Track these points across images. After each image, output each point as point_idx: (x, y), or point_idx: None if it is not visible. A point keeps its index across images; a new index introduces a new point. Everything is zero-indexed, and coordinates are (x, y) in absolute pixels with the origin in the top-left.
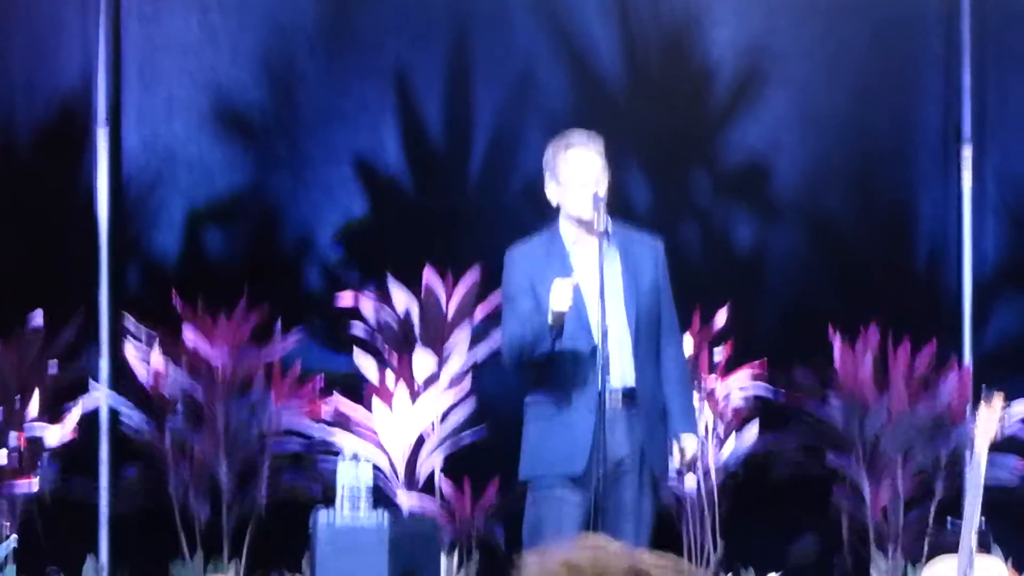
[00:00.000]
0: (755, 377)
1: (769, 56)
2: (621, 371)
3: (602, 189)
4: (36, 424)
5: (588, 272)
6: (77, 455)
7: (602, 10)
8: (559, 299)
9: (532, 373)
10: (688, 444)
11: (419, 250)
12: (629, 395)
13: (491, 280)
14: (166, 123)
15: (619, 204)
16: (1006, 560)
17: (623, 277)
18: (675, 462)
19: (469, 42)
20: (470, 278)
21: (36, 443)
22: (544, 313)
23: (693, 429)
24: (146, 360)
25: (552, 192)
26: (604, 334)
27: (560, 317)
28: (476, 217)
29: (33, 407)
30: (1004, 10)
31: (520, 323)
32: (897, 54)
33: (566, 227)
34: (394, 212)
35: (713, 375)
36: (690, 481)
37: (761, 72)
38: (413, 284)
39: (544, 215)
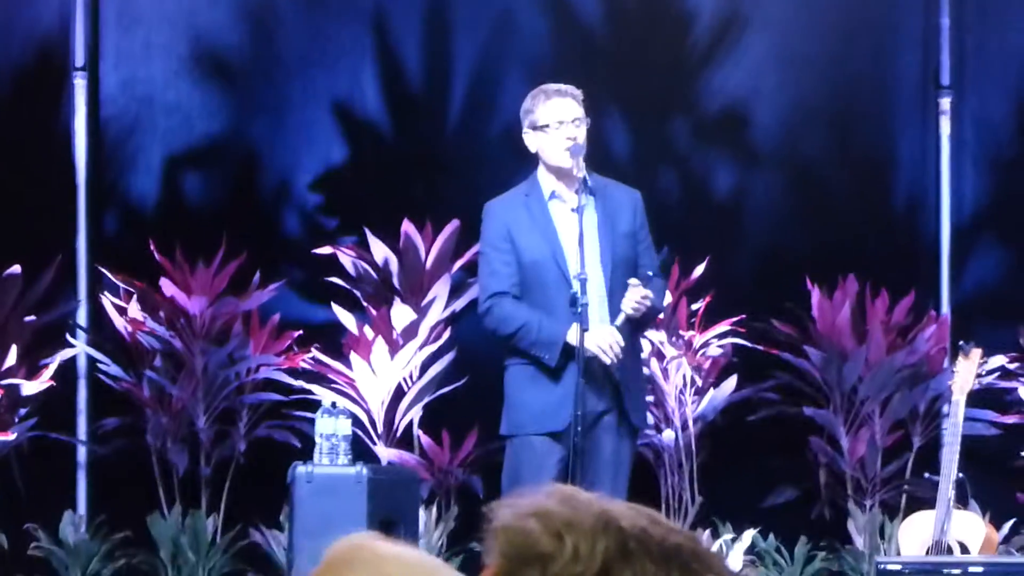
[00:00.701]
0: (733, 329)
1: (748, 0)
2: (598, 319)
3: (581, 137)
4: (13, 375)
5: (566, 221)
6: (55, 406)
7: None
8: (575, 337)
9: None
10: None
11: (398, 198)
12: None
13: (471, 231)
14: (144, 67)
15: (598, 152)
16: (984, 514)
17: (599, 226)
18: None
19: None
20: (449, 229)
21: (13, 394)
22: (544, 304)
23: (651, 291)
24: (124, 310)
25: (531, 140)
26: (583, 284)
27: (568, 346)
28: (455, 164)
29: (10, 357)
30: None
31: (525, 312)
32: None
33: (544, 176)
34: (373, 158)
35: (691, 328)
36: (668, 433)
37: (740, 16)
38: (392, 234)
39: (523, 163)
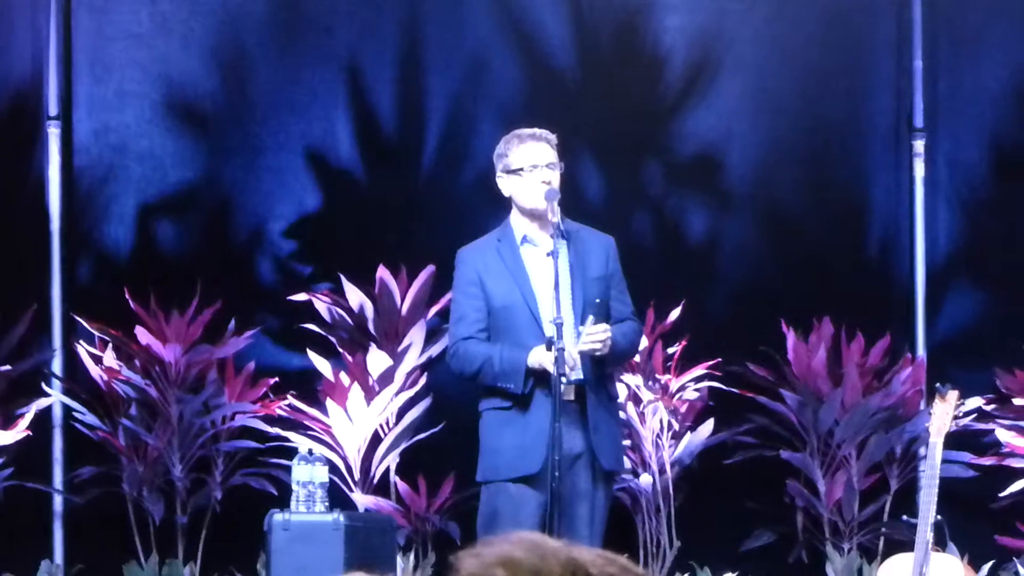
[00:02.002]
0: (709, 372)
1: (721, 43)
2: (571, 364)
3: (555, 181)
4: None
5: (538, 265)
6: (31, 455)
7: None
8: (540, 358)
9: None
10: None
11: (373, 244)
12: (580, 388)
13: (445, 277)
14: (118, 115)
15: (571, 196)
16: (962, 557)
17: (571, 270)
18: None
19: (420, 30)
20: (424, 275)
21: None
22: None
23: (616, 335)
24: (99, 358)
25: (504, 185)
26: (559, 328)
27: (534, 372)
28: (430, 210)
29: None
30: None
31: (486, 348)
32: (849, 39)
33: (517, 220)
34: (347, 204)
35: (667, 372)
36: (646, 477)
37: (713, 60)
38: (367, 280)
39: (498, 208)
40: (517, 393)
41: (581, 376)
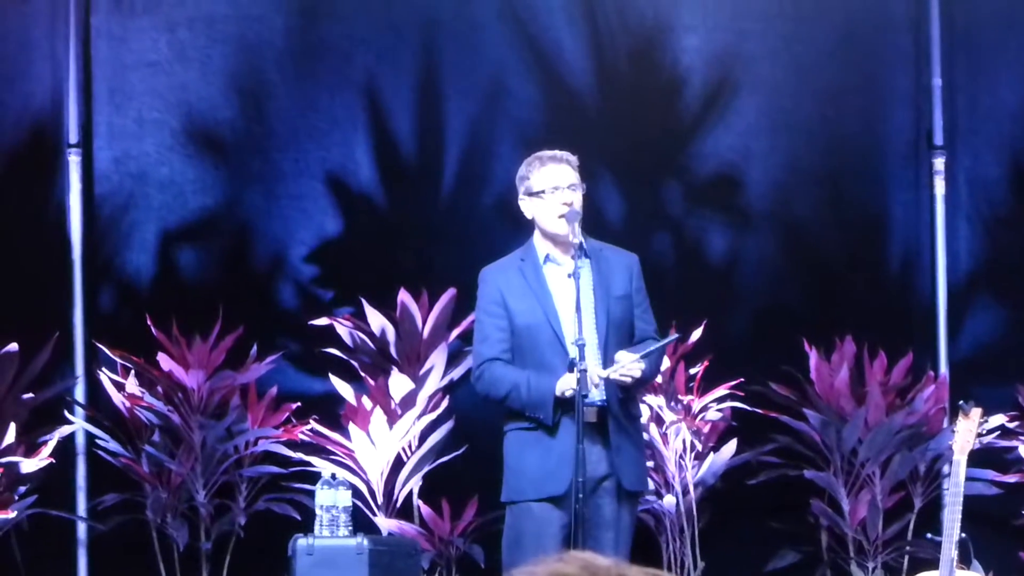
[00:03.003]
0: (732, 393)
1: (739, 62)
2: (596, 382)
3: (577, 202)
4: (11, 453)
5: (561, 285)
6: (54, 483)
7: (571, 20)
8: (567, 385)
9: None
10: (622, 357)
11: (393, 268)
12: (603, 410)
13: (467, 299)
14: (137, 143)
15: (591, 217)
16: (987, 574)
17: (594, 289)
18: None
19: (438, 54)
20: (445, 298)
21: (12, 472)
22: (533, 359)
23: (640, 359)
24: (121, 385)
25: (527, 207)
26: (581, 350)
27: (562, 400)
28: (450, 233)
29: (8, 435)
30: (973, 12)
31: (514, 373)
32: (866, 57)
33: (540, 241)
34: (367, 229)
35: (690, 392)
36: (669, 498)
37: (731, 79)
38: (388, 304)
39: (518, 230)
40: (547, 423)
41: (604, 398)
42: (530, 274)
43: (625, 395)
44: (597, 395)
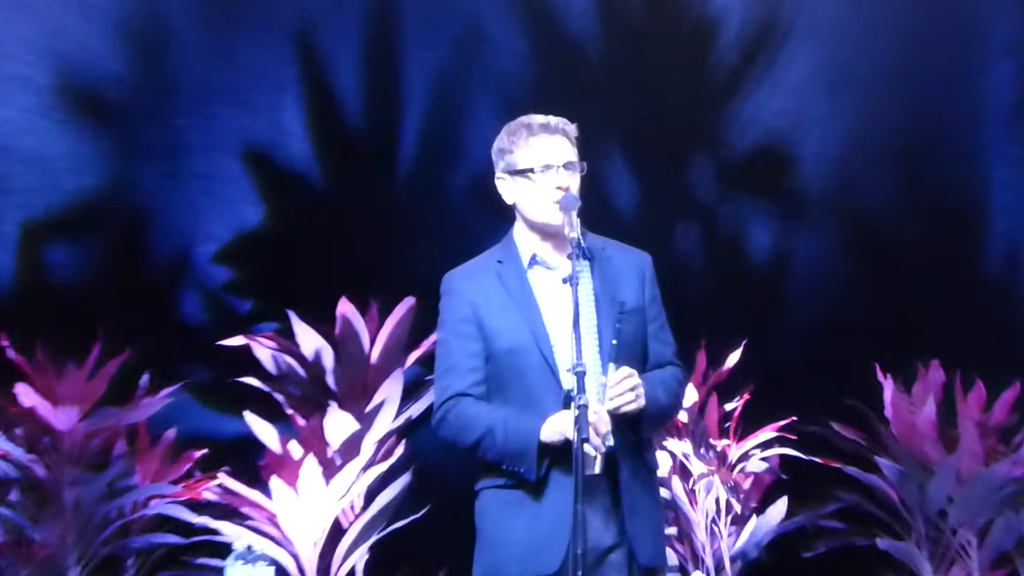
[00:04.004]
0: (781, 436)
1: (788, 1)
2: (598, 426)
3: (574, 186)
4: None
5: (552, 295)
6: None
7: None
8: (558, 428)
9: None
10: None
11: (333, 271)
12: (609, 459)
13: (429, 312)
14: None
15: (596, 204)
16: None
17: (597, 301)
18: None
19: None
20: (401, 310)
21: None
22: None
23: (653, 386)
24: None
25: (507, 190)
26: (580, 379)
27: (551, 448)
28: (408, 225)
29: None
30: None
31: (488, 414)
32: None
33: (524, 236)
34: (299, 220)
35: (725, 436)
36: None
37: (780, 22)
38: (325, 318)
39: (498, 220)
40: (530, 479)
41: (611, 443)
42: (511, 281)
43: (637, 438)
44: (599, 443)
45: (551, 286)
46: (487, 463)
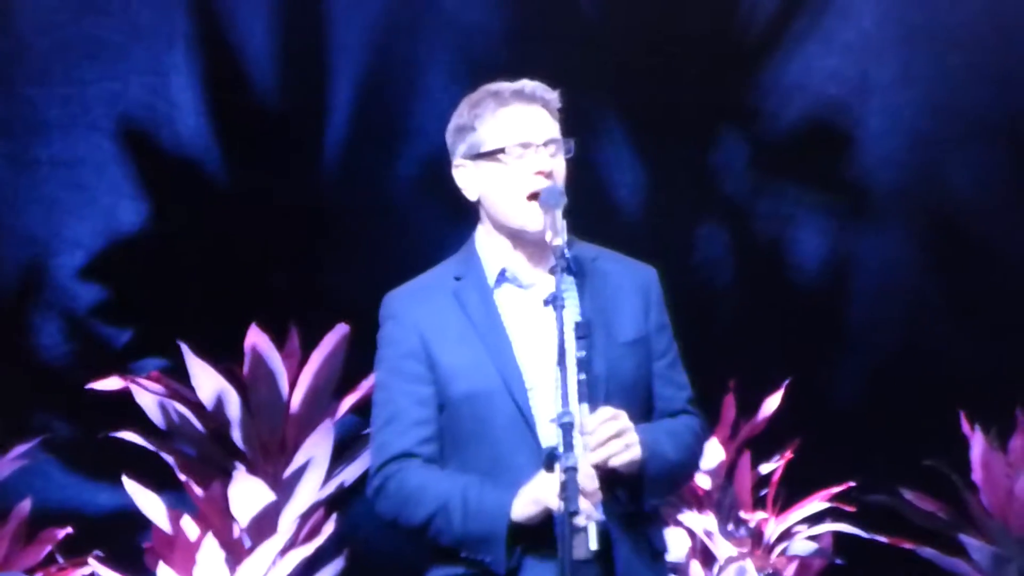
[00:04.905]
0: (834, 507)
1: None
2: (589, 494)
3: (559, 173)
4: None
5: (528, 322)
6: None
7: None
8: (535, 497)
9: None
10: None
11: (239, 289)
12: (603, 536)
13: (367, 343)
14: None
15: (590, 197)
16: None
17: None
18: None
19: None
20: (331, 341)
21: None
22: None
23: (656, 438)
24: None
25: (469, 182)
26: (566, 433)
27: (526, 530)
28: (338, 228)
29: None
30: None
31: (442, 482)
32: None
33: (490, 244)
34: (191, 220)
35: (760, 507)
36: None
37: None
38: (229, 353)
39: (457, 222)
40: (498, 573)
41: (600, 517)
42: (473, 303)
43: (638, 509)
44: (587, 516)
45: (526, 310)
46: (441, 548)
